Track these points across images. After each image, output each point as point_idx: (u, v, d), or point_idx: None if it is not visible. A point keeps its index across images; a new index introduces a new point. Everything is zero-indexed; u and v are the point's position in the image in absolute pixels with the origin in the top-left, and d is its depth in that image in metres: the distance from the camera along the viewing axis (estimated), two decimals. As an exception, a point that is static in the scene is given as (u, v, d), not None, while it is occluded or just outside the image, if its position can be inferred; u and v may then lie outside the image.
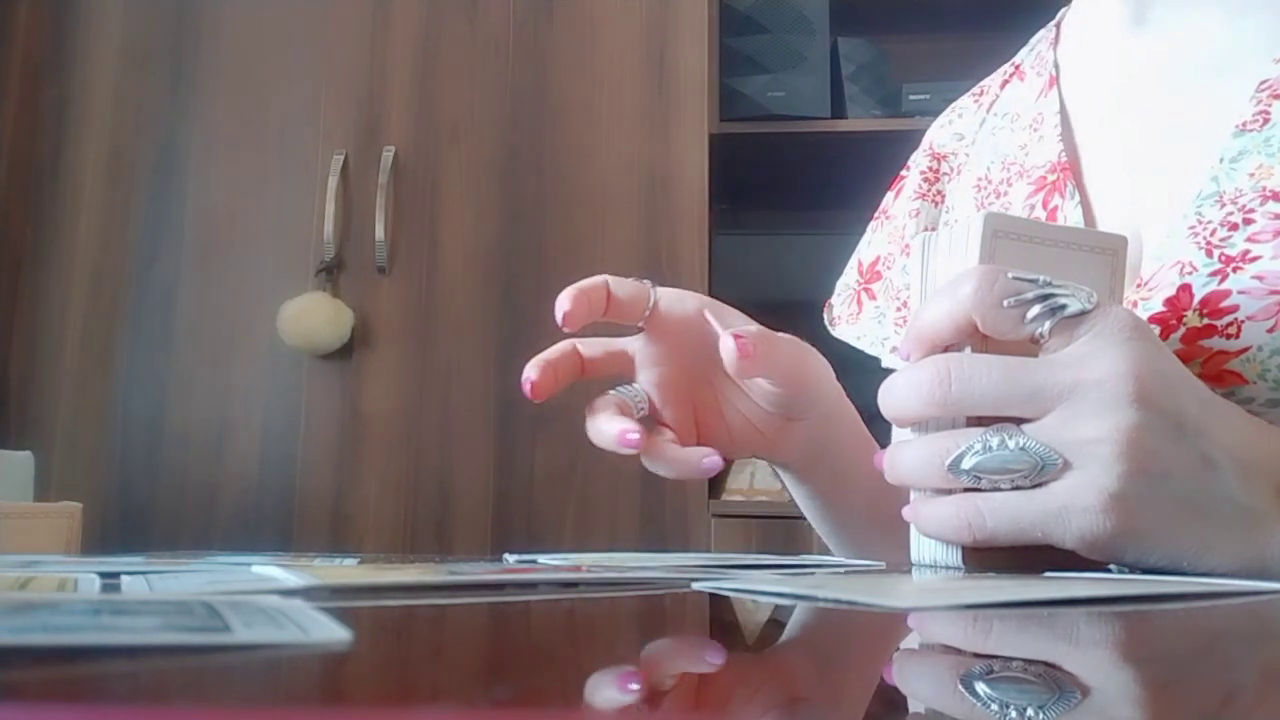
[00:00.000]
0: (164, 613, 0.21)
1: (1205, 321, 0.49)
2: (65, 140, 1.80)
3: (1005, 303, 0.40)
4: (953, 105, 0.76)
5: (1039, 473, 0.39)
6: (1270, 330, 0.47)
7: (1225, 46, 0.56)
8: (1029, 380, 0.39)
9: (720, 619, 0.31)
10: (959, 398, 0.40)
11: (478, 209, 1.71)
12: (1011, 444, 0.39)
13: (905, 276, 0.70)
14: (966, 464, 0.40)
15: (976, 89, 0.75)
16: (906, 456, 0.43)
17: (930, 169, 0.73)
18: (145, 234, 1.76)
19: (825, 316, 0.79)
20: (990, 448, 0.40)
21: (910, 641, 0.26)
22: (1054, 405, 0.39)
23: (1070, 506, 0.39)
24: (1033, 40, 0.71)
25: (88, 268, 1.76)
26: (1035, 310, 0.40)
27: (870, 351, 0.75)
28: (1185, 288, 0.50)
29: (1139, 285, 0.53)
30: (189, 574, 0.36)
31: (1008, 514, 0.40)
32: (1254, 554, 0.40)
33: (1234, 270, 0.49)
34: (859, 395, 0.60)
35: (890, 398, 0.43)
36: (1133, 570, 0.41)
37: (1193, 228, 0.51)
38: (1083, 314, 0.40)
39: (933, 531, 0.43)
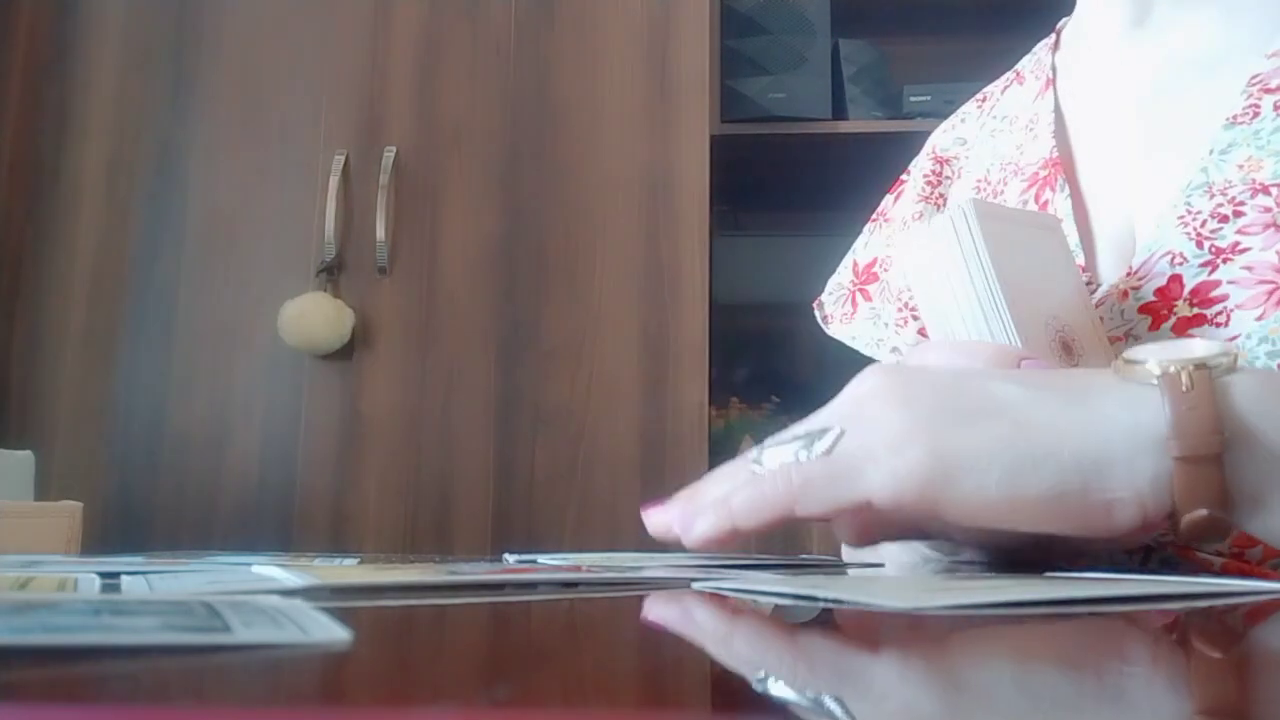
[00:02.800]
0: (164, 613, 0.21)
1: (1195, 311, 0.49)
2: (65, 140, 1.80)
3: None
4: (957, 111, 0.77)
5: (820, 439, 0.40)
6: (1259, 318, 0.48)
7: (1220, 43, 0.57)
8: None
9: (720, 619, 0.31)
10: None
11: (478, 209, 1.71)
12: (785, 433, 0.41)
13: (903, 279, 0.70)
14: (753, 455, 0.42)
15: (980, 95, 0.76)
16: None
17: (933, 172, 0.73)
18: (145, 234, 1.76)
19: (816, 314, 0.79)
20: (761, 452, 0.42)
21: (910, 641, 0.26)
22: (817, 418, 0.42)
23: (863, 450, 0.39)
24: (1035, 48, 0.72)
25: (88, 268, 1.76)
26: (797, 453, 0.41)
27: (865, 352, 0.75)
28: (1176, 278, 0.51)
29: (1130, 274, 0.53)
30: (189, 574, 0.36)
31: (817, 469, 0.39)
32: (1084, 415, 0.38)
33: (1224, 261, 0.50)
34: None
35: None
36: (1116, 567, 0.41)
37: (1182, 218, 0.52)
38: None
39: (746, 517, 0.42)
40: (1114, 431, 0.37)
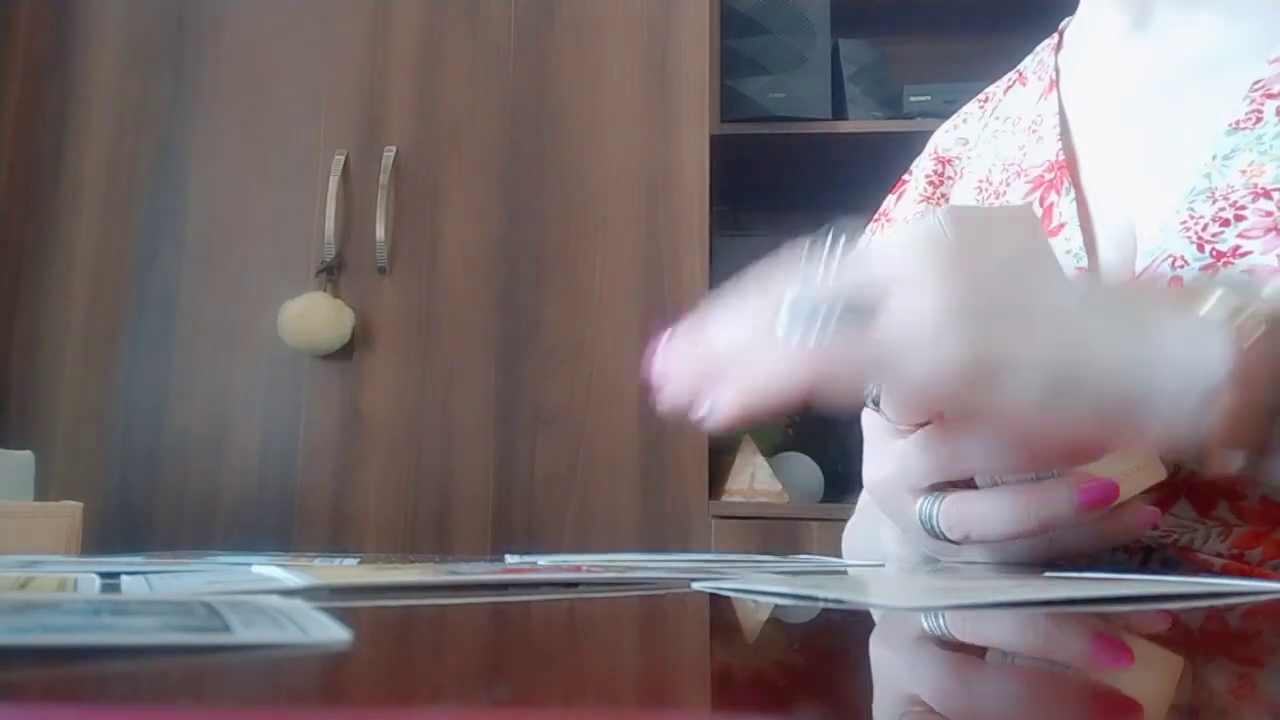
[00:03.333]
0: (164, 613, 0.21)
1: None
2: (65, 140, 1.80)
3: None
4: (959, 110, 0.77)
5: (860, 313, 0.37)
6: None
7: (1222, 48, 0.57)
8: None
9: (720, 619, 0.31)
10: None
11: (478, 209, 1.71)
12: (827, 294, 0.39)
13: None
14: (786, 315, 0.39)
15: (982, 95, 0.76)
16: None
17: (935, 172, 0.73)
18: (145, 234, 1.76)
19: None
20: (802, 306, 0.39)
21: (909, 641, 0.26)
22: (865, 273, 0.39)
23: (901, 337, 0.37)
24: (1037, 48, 0.72)
25: (88, 268, 1.76)
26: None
27: None
28: (1177, 280, 0.51)
29: (1133, 279, 0.54)
30: (189, 574, 0.36)
31: (849, 350, 0.37)
32: (1141, 347, 0.37)
33: (1225, 265, 0.50)
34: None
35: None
36: (1131, 566, 0.41)
37: (1184, 223, 0.52)
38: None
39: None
40: (1169, 368, 0.37)
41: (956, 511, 0.43)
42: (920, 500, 0.44)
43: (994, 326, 0.37)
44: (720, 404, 0.39)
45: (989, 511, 0.42)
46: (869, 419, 0.47)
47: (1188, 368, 0.37)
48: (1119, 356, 0.37)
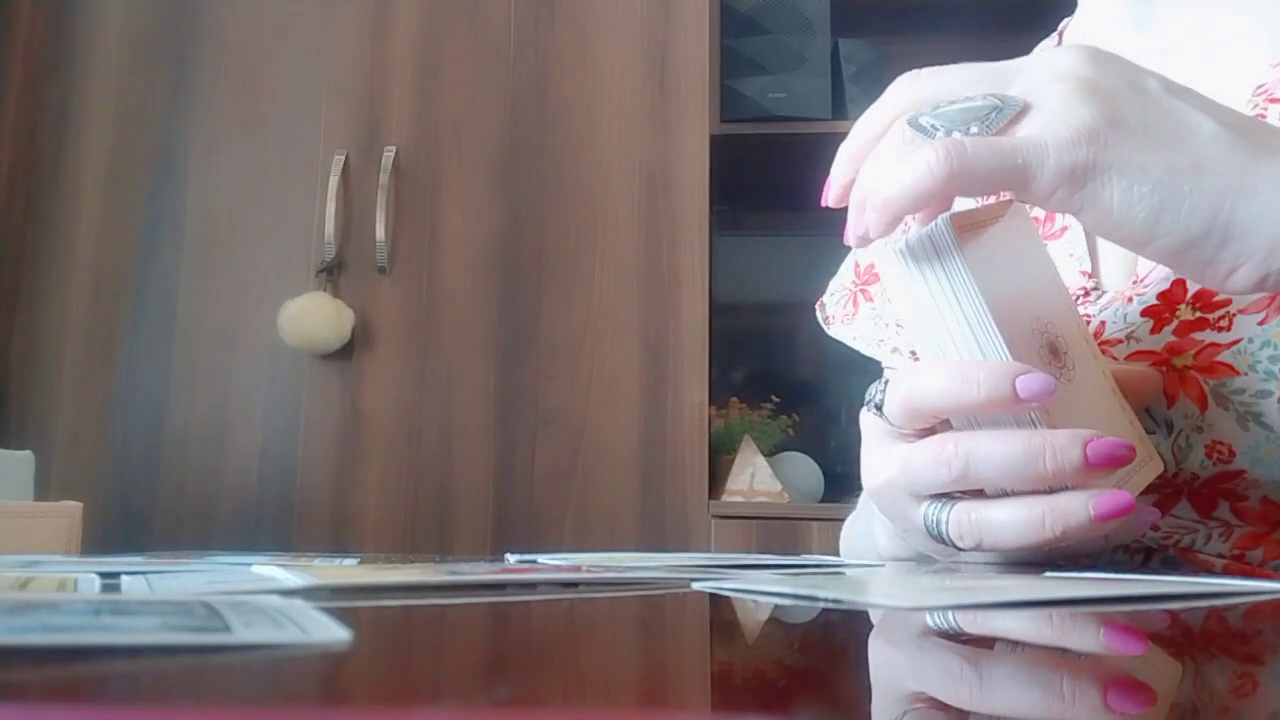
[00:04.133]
0: (164, 613, 0.21)
1: (1198, 314, 0.49)
2: (65, 140, 1.80)
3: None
4: None
5: (999, 115, 0.39)
6: (1261, 323, 0.47)
7: (1225, 49, 0.57)
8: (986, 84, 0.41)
9: (720, 619, 0.31)
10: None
11: (478, 209, 1.71)
12: (965, 97, 0.40)
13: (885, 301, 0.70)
14: (925, 120, 0.40)
15: None
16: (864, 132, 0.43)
17: None
18: (145, 234, 1.76)
19: (819, 315, 0.79)
20: (942, 106, 0.40)
21: (909, 641, 0.26)
22: (1010, 80, 0.40)
23: (1039, 141, 0.38)
24: (1037, 48, 0.72)
25: (88, 268, 1.76)
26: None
27: (866, 352, 0.75)
28: (1179, 282, 0.51)
29: (1136, 281, 0.53)
30: (189, 574, 0.36)
31: (987, 150, 0.39)
32: (1247, 176, 0.38)
33: None
34: (860, 395, 0.60)
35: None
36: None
37: None
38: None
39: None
40: (1269, 199, 0.37)
41: (968, 519, 0.42)
42: (925, 505, 0.44)
43: (1124, 140, 0.38)
44: (871, 219, 0.41)
45: (1003, 521, 0.41)
46: (868, 420, 0.47)
47: None
48: (1239, 188, 0.38)
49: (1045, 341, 0.44)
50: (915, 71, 0.43)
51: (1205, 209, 0.38)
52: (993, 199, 0.60)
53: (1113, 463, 0.40)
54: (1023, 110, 0.39)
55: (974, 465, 0.41)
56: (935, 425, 0.44)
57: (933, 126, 0.40)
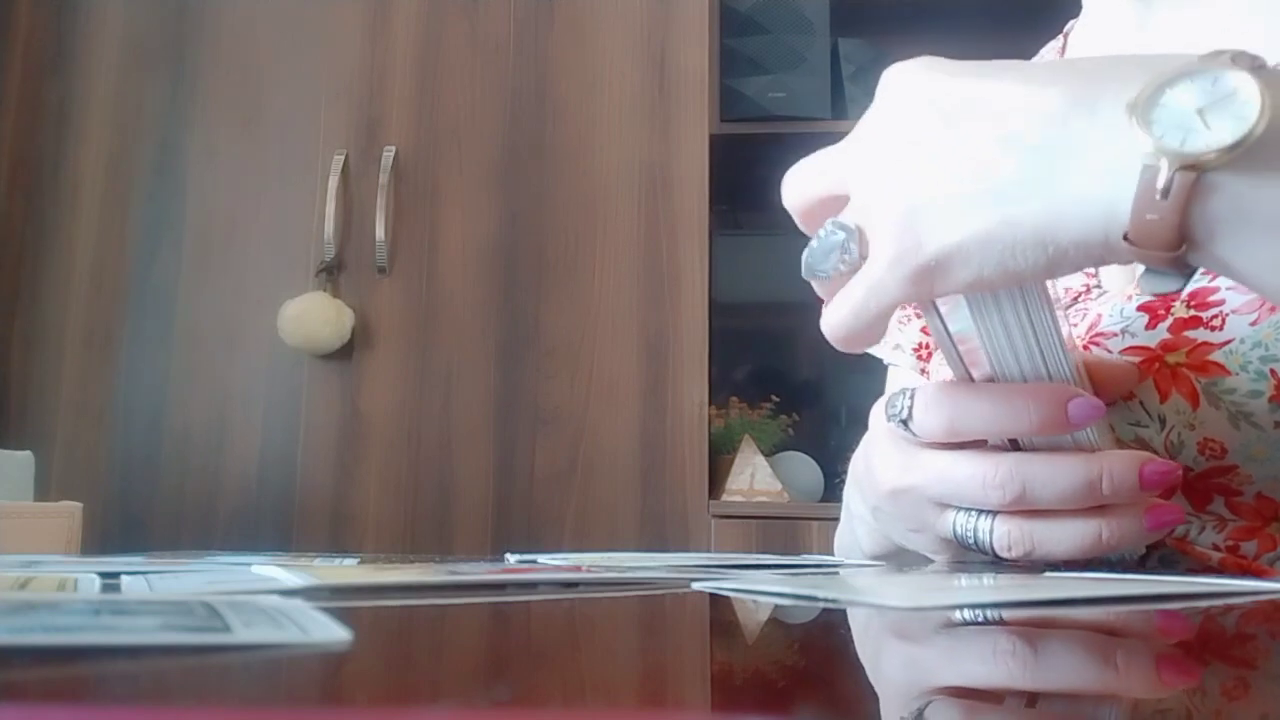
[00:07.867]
0: (164, 613, 0.21)
1: (1192, 313, 0.49)
2: (65, 140, 1.80)
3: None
4: None
5: (850, 242, 0.40)
6: (1253, 324, 0.48)
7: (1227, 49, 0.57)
8: None
9: (720, 619, 0.31)
10: None
11: (478, 209, 1.71)
12: (825, 228, 0.42)
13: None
14: (810, 260, 0.42)
15: None
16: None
17: None
18: (145, 234, 1.76)
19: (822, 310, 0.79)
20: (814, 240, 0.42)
21: (909, 641, 0.26)
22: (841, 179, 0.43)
23: (876, 278, 0.39)
24: (1042, 50, 0.72)
25: (88, 268, 1.76)
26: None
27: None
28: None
29: (1136, 283, 0.53)
30: (189, 574, 0.36)
31: (850, 313, 0.40)
32: (1050, 199, 0.35)
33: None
34: (860, 395, 0.60)
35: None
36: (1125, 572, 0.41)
37: None
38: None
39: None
40: (1073, 211, 0.35)
41: (1020, 530, 0.42)
42: (955, 514, 0.44)
43: (930, 197, 0.37)
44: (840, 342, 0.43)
45: (1059, 536, 0.41)
46: (879, 421, 0.47)
47: (1095, 212, 0.35)
48: (1024, 201, 0.35)
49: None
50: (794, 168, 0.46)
51: (1029, 238, 0.35)
52: None
53: (1166, 484, 0.40)
54: (861, 233, 0.40)
55: (1031, 490, 0.41)
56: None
57: (810, 268, 0.42)
